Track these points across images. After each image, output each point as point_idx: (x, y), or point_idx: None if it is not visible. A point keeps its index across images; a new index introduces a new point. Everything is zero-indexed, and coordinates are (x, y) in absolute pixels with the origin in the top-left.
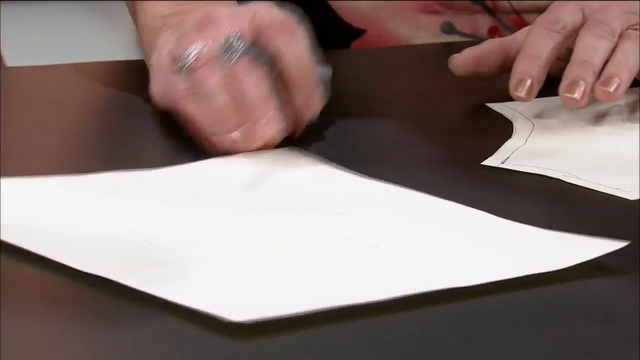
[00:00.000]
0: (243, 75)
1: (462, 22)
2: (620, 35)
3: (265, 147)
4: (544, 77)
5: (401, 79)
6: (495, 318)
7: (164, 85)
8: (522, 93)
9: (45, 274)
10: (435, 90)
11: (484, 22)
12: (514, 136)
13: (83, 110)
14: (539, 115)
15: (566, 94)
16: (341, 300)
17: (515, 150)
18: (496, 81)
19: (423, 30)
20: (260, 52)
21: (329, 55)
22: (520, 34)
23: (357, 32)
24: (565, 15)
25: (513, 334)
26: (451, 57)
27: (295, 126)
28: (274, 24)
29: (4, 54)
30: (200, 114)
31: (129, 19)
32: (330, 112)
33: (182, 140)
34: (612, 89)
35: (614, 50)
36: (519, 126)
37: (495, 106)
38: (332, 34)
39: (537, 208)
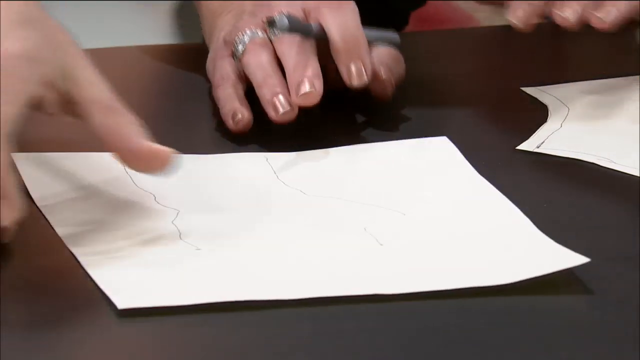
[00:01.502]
0: (286, 46)
1: None
2: None
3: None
4: None
5: (436, 62)
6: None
7: (213, 68)
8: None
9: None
10: (470, 73)
11: None
12: (549, 120)
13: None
14: (574, 100)
15: (557, 12)
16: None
17: (550, 135)
18: (532, 65)
19: None
20: (307, 25)
21: None
22: None
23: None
24: None
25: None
26: None
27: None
28: (322, 3)
29: None
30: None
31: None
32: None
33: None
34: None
35: None
36: (554, 110)
37: (531, 90)
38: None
39: (573, 192)
